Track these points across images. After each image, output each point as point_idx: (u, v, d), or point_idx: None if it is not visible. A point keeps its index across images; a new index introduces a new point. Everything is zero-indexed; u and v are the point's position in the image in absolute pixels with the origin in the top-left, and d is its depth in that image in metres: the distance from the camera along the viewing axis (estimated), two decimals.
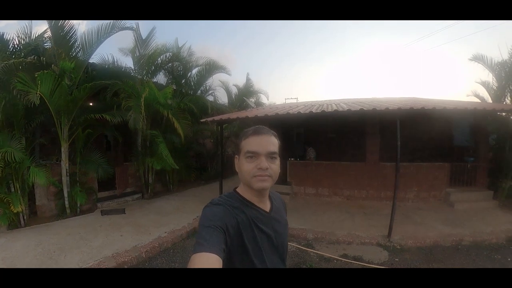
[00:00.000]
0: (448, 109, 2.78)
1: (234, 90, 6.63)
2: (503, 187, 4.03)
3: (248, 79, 6.79)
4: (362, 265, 2.30)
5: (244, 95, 6.46)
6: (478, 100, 4.66)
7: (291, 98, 8.59)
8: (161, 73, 4.78)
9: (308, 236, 2.85)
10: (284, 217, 0.67)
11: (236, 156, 0.60)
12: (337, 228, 3.01)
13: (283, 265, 0.63)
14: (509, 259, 2.41)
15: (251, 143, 0.56)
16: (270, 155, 0.55)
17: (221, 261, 0.45)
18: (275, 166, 0.57)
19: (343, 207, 3.68)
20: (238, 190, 0.61)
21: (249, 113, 3.58)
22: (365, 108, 2.91)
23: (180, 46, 4.88)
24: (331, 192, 3.94)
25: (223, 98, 6.50)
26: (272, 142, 0.57)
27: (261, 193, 0.58)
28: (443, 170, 3.90)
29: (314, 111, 3.20)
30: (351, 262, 2.35)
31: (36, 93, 2.71)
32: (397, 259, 2.39)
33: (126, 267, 2.31)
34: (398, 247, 2.62)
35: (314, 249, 2.63)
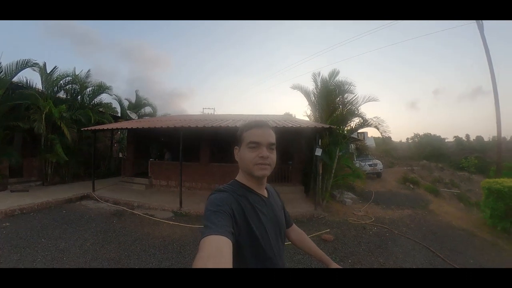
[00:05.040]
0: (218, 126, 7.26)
1: (126, 103, 11.43)
2: (310, 184, 8.51)
3: (137, 95, 11.70)
4: (149, 217, 6.62)
5: (134, 108, 11.25)
6: (307, 119, 9.20)
7: (209, 108, 13.43)
8: (63, 91, 9.41)
9: (134, 204, 7.32)
10: (279, 203, 1.16)
11: (236, 147, 1.03)
12: (155, 202, 7.45)
13: (283, 246, 1.07)
14: None
15: (254, 134, 0.97)
16: (270, 146, 0.97)
17: (231, 243, 0.73)
18: (274, 156, 0.98)
19: (178, 193, 8.13)
20: (238, 179, 1.04)
21: (109, 126, 8.17)
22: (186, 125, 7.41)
23: (77, 73, 9.58)
24: (177, 184, 8.37)
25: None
26: (271, 135, 0.99)
27: (260, 181, 1.01)
28: None
29: (171, 125, 7.68)
30: (146, 216, 6.71)
31: None
32: (173, 217, 6.71)
33: (26, 211, 6.73)
34: (183, 213, 6.91)
35: (132, 210, 7.08)
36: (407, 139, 36.16)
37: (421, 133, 30.06)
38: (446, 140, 30.38)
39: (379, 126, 8.09)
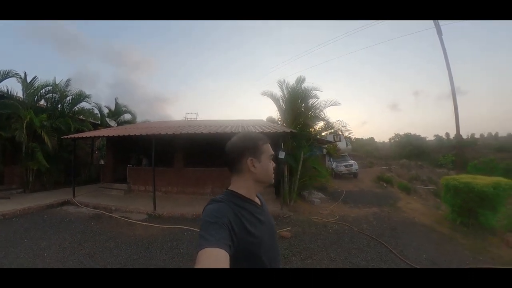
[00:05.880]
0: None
1: (106, 111, 12.35)
2: (279, 187, 9.44)
3: (116, 103, 12.65)
4: (125, 219, 7.45)
5: (113, 116, 12.12)
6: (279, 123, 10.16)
7: (191, 113, 14.41)
8: (43, 100, 10.18)
9: (112, 208, 8.12)
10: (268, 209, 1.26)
11: (253, 158, 1.11)
12: (132, 206, 8.27)
13: (279, 252, 1.25)
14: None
15: (270, 148, 1.16)
16: None
17: (228, 256, 0.78)
18: None
19: (156, 197, 8.97)
20: (234, 189, 1.11)
21: (87, 134, 9.01)
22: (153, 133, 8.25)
23: (57, 82, 10.37)
24: (155, 188, 9.26)
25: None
26: None
27: (261, 189, 1.18)
28: None
29: (143, 133, 8.51)
30: (122, 218, 7.48)
31: None
32: (147, 219, 7.51)
33: (8, 216, 7.48)
34: (157, 215, 7.70)
35: (110, 213, 7.88)
36: (389, 139, 38.93)
37: (403, 133, 32.46)
38: (427, 139, 32.29)
39: (342, 129, 9.07)
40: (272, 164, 1.17)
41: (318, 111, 9.18)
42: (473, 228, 6.34)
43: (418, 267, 4.43)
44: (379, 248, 5.24)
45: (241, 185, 1.12)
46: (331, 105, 9.03)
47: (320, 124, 9.43)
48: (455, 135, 11.80)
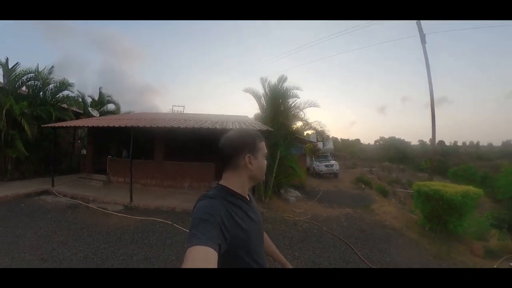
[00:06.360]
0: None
1: (89, 100, 12.69)
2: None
3: (100, 92, 12.94)
4: (101, 210, 7.78)
5: (97, 105, 12.38)
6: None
7: (178, 106, 14.82)
8: (25, 87, 10.32)
9: (90, 199, 8.45)
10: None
11: (250, 155, 1.12)
12: (110, 197, 8.62)
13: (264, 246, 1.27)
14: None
15: (265, 146, 1.19)
16: None
17: (217, 255, 0.80)
18: None
19: (134, 189, 9.32)
20: (227, 185, 1.12)
21: (66, 124, 9.27)
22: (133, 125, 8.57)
23: (40, 70, 10.54)
24: (133, 181, 9.60)
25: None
26: None
27: (250, 186, 1.20)
28: (210, 168, 9.69)
29: (122, 125, 8.80)
30: (98, 209, 7.78)
31: None
32: (123, 210, 7.89)
33: None
34: (133, 207, 8.08)
35: (87, 204, 8.21)
36: (375, 141, 40.89)
37: (388, 136, 33.77)
38: (411, 144, 33.77)
39: (320, 129, 9.57)
40: (265, 162, 1.21)
41: (297, 110, 9.64)
42: (441, 234, 6.54)
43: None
44: (344, 249, 5.46)
45: (235, 181, 1.14)
46: (310, 106, 9.53)
47: (299, 123, 9.90)
48: (431, 141, 12.47)
